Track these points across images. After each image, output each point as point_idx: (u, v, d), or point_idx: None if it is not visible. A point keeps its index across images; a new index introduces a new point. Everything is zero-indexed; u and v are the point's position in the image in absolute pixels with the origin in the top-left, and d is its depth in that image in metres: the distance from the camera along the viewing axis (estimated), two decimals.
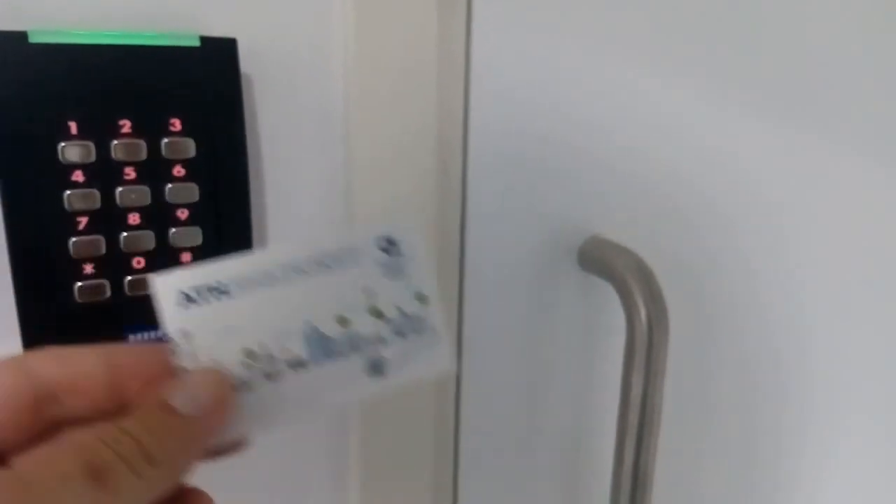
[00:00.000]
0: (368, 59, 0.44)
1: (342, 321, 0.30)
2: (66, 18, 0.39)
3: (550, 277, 0.54)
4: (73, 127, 0.37)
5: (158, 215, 0.40)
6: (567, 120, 0.51)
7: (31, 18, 0.38)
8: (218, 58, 0.40)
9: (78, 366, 0.26)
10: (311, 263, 0.30)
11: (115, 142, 0.38)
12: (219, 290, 0.29)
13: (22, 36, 0.36)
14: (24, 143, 0.36)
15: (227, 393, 0.28)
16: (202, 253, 0.41)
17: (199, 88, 0.40)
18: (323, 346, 0.30)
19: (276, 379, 0.29)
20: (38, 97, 0.36)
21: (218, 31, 0.41)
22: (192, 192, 0.40)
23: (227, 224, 0.42)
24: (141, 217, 0.40)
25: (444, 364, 0.32)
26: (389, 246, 0.31)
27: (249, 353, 0.29)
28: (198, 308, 0.29)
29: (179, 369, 0.28)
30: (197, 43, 0.39)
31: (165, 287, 0.28)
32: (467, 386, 0.54)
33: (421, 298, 0.31)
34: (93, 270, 0.39)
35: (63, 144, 0.37)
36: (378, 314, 0.31)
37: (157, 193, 0.40)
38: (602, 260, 0.53)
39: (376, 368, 0.30)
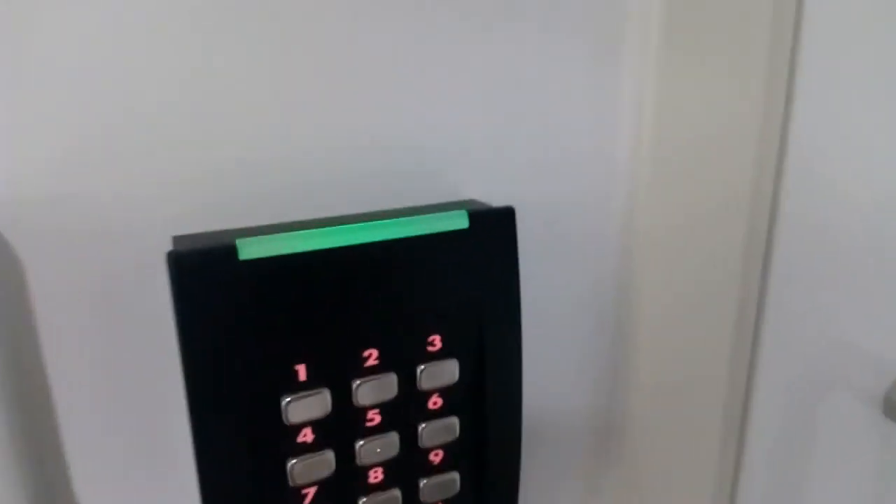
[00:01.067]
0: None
1: None
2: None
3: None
4: (302, 371, 0.25)
5: (407, 466, 0.28)
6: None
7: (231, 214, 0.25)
8: (491, 239, 0.27)
9: None
10: None
11: (358, 382, 0.26)
12: None
13: (230, 251, 0.23)
14: (229, 402, 0.24)
15: None
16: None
17: (464, 286, 0.27)
18: None
19: None
20: (250, 337, 0.24)
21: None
22: (451, 428, 0.28)
23: (494, 463, 0.29)
24: (385, 473, 0.27)
25: None
26: None
27: None
28: None
29: None
30: (465, 223, 0.26)
31: None
32: None
33: None
34: None
35: (288, 399, 0.25)
36: None
37: (407, 439, 0.27)
38: None
39: None
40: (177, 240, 0.24)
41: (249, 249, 0.23)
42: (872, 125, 0.35)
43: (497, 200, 0.28)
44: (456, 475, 0.28)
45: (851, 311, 0.39)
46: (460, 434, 0.28)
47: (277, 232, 0.24)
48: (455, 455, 0.28)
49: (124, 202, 0.25)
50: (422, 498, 0.28)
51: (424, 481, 0.28)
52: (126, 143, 0.24)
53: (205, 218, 0.26)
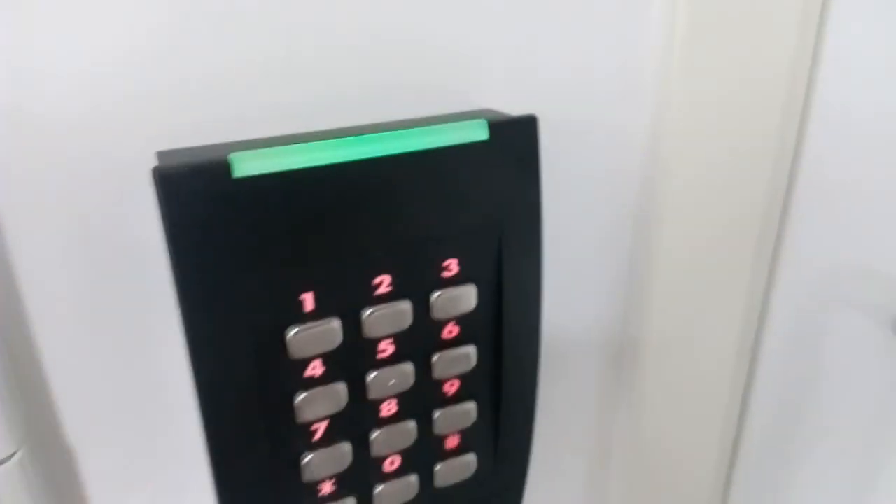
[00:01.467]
0: None
1: None
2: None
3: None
4: (308, 300, 0.22)
5: (421, 398, 0.26)
6: None
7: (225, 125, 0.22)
8: (512, 152, 0.24)
9: None
10: None
11: (369, 311, 0.23)
12: None
13: (223, 168, 0.20)
14: (230, 335, 0.22)
15: None
16: (474, 434, 0.28)
17: (483, 205, 0.24)
18: None
19: None
20: (249, 264, 0.21)
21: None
22: (467, 358, 0.26)
23: (511, 393, 0.28)
24: (398, 405, 0.26)
25: None
26: None
27: None
28: None
29: None
30: (485, 135, 0.23)
31: None
32: None
33: None
34: (333, 488, 0.26)
35: (295, 330, 0.22)
36: None
37: (421, 370, 0.25)
38: None
39: None
40: (162, 155, 0.21)
41: (245, 165, 0.20)
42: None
43: (515, 112, 0.25)
44: (472, 405, 0.27)
45: (865, 235, 0.37)
46: (477, 364, 0.26)
47: (275, 145, 0.21)
48: (471, 385, 0.27)
49: (99, 118, 0.22)
50: (436, 430, 0.27)
51: (439, 413, 0.26)
52: (98, 52, 0.21)
53: (193, 135, 0.23)
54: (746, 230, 0.34)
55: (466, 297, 0.25)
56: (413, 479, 0.27)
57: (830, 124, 0.34)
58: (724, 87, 0.31)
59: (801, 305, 0.39)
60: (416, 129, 0.22)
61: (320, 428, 0.24)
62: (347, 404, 0.24)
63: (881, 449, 0.43)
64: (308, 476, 0.25)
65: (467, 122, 0.23)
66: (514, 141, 0.24)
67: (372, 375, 0.24)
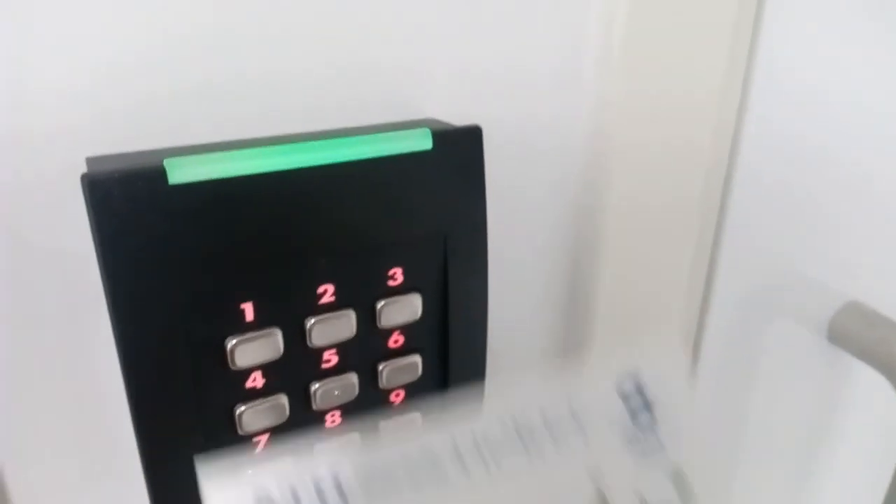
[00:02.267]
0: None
1: None
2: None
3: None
4: (249, 310, 0.22)
5: (366, 408, 0.26)
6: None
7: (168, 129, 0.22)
8: (456, 162, 0.24)
9: None
10: (503, 436, 0.18)
11: (312, 321, 0.23)
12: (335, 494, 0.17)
13: (157, 174, 0.19)
14: (167, 347, 0.21)
15: None
16: None
17: (427, 214, 0.24)
18: None
19: None
20: (186, 274, 0.21)
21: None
22: (412, 368, 0.26)
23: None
24: (342, 416, 0.25)
25: None
26: (635, 394, 0.19)
27: None
28: None
29: None
30: (428, 144, 0.23)
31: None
32: None
33: (678, 479, 0.19)
34: None
35: (234, 341, 0.22)
36: None
37: (367, 380, 0.25)
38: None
39: None
40: (91, 161, 0.20)
41: (180, 172, 0.20)
42: (837, 63, 0.34)
43: (457, 121, 0.26)
44: (418, 416, 0.27)
45: (801, 244, 0.39)
46: (422, 373, 0.26)
47: (210, 152, 0.21)
48: (417, 395, 0.27)
49: (28, 123, 0.21)
50: None
51: (385, 423, 0.26)
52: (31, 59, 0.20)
53: (128, 142, 0.22)
54: (683, 240, 0.36)
55: (412, 306, 0.25)
56: None
57: (764, 133, 0.35)
58: (660, 101, 0.32)
59: (738, 313, 0.40)
60: (359, 138, 0.22)
61: (262, 440, 0.24)
62: (290, 416, 0.24)
63: (816, 454, 0.44)
64: None
65: (411, 132, 0.23)
66: (458, 150, 0.24)
67: (315, 386, 0.24)
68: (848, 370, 0.43)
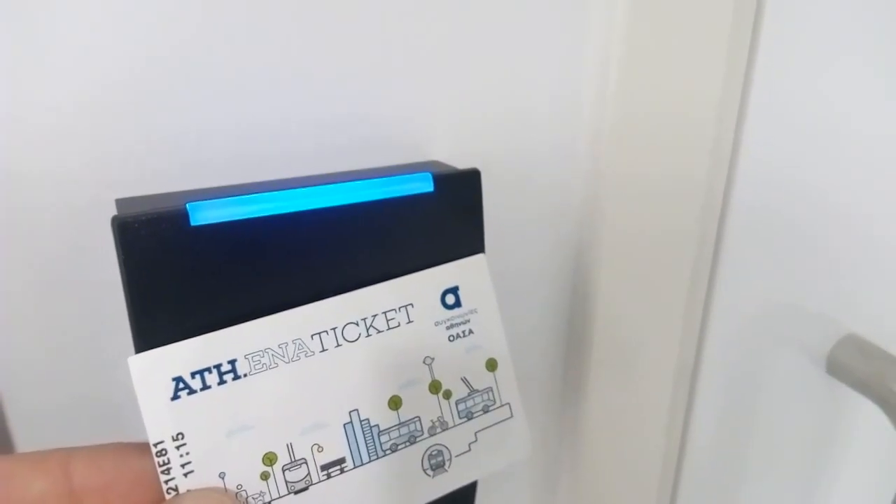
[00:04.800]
0: None
1: (394, 403, 0.23)
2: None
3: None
4: None
5: None
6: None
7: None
8: (456, 203, 0.26)
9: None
10: (353, 328, 0.23)
11: None
12: (226, 372, 0.21)
13: (181, 216, 0.21)
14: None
15: None
16: None
17: (428, 253, 0.26)
18: (369, 441, 0.22)
19: (307, 492, 0.21)
20: (204, 309, 0.22)
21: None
22: None
23: None
24: None
25: (520, 450, 0.25)
26: (454, 299, 0.25)
27: (270, 459, 0.21)
28: (196, 400, 0.20)
29: (170, 489, 0.20)
30: (429, 187, 0.25)
31: (148, 371, 0.20)
32: None
33: (491, 365, 0.25)
34: None
35: None
36: (440, 391, 0.24)
37: None
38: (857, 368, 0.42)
39: (437, 463, 0.23)
40: (121, 203, 0.22)
41: (202, 214, 0.21)
42: (834, 93, 0.35)
43: (456, 160, 0.27)
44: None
45: (799, 275, 0.40)
46: None
47: (231, 195, 0.22)
48: None
49: (61, 171, 0.23)
50: None
51: None
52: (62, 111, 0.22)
53: (150, 185, 0.24)
54: (680, 272, 0.37)
55: None
56: None
57: (761, 165, 0.36)
58: (656, 135, 0.33)
59: (736, 344, 0.41)
60: (366, 182, 0.24)
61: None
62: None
63: (814, 485, 0.45)
64: None
65: (413, 175, 0.25)
66: (458, 192, 0.26)
67: None
68: (846, 401, 0.43)
